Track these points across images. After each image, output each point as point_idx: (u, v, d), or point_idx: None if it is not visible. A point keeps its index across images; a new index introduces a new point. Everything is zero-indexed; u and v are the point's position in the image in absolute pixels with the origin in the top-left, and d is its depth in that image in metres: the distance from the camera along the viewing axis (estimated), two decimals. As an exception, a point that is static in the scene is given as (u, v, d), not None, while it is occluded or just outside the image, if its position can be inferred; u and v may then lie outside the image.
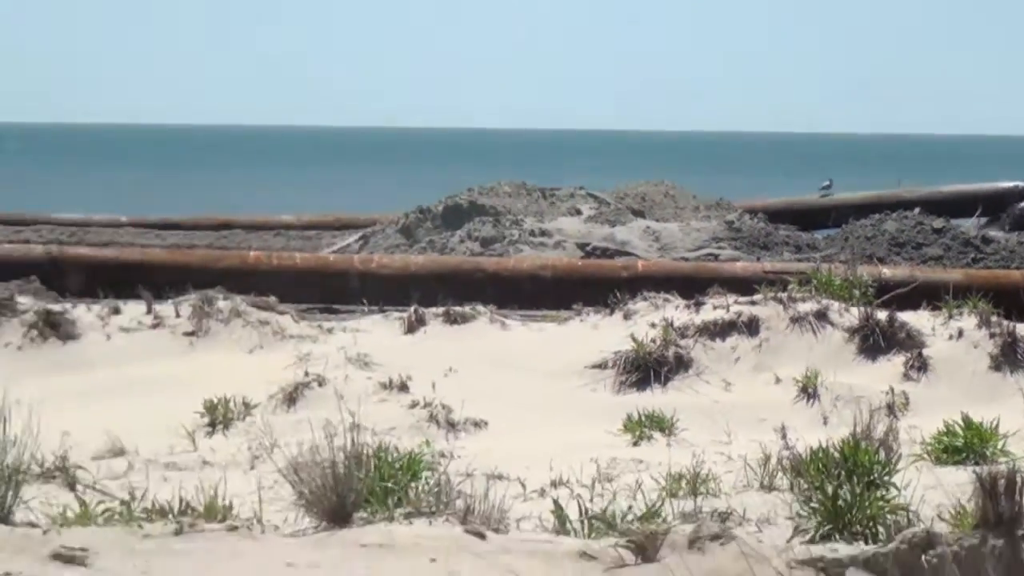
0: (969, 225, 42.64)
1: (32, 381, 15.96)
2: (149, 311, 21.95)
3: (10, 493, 12.55)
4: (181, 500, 12.75)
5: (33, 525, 12.03)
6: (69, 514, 12.62)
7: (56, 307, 22.12)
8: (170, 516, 12.25)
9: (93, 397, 18.17)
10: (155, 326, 21.60)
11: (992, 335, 20.20)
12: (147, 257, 33.41)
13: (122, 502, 13.00)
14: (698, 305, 21.81)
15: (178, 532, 11.70)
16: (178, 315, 21.73)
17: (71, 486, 14.08)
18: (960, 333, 20.35)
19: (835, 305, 21.27)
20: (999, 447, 15.29)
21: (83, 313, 21.85)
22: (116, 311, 22.07)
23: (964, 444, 15.58)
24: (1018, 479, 11.43)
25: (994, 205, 45.90)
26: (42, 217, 44.95)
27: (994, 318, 20.80)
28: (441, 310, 22.45)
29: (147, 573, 10.92)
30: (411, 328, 21.75)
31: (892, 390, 18.63)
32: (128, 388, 19.17)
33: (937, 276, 29.04)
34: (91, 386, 19.11)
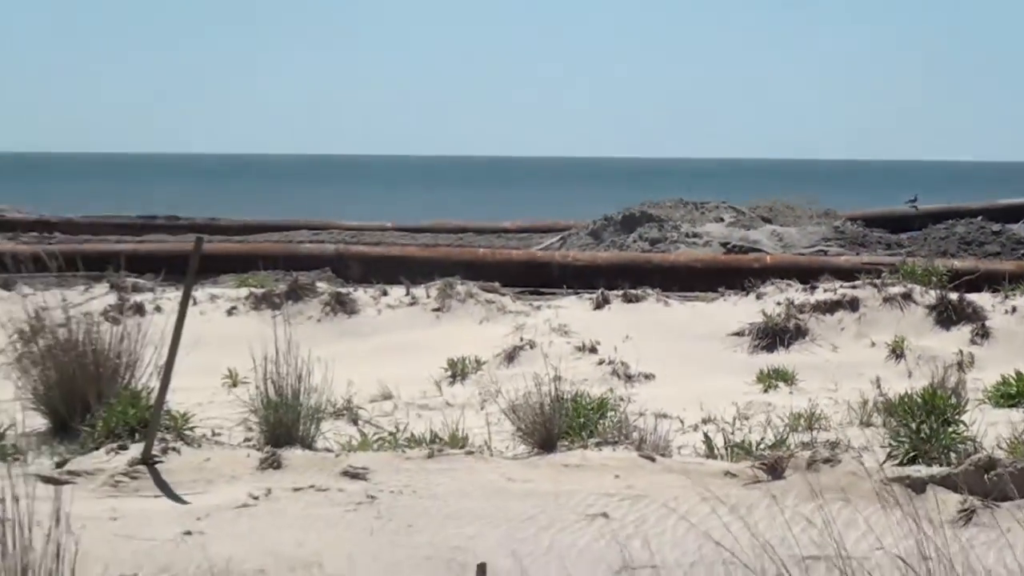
0: (1019, 228, 42.05)
1: (326, 345, 16.07)
2: (407, 293, 22.31)
3: (312, 427, 12.90)
4: (432, 432, 13.06)
5: (328, 451, 12.48)
6: (353, 443, 12.99)
7: (343, 290, 22.45)
8: (424, 444, 12.63)
9: (368, 356, 18.36)
10: (411, 304, 21.88)
11: (1039, 310, 20.13)
12: (405, 253, 33.49)
13: (390, 433, 13.39)
14: (812, 288, 21.84)
15: (430, 455, 12.07)
16: (428, 296, 22.04)
17: (354, 422, 14.47)
18: (1014, 309, 20.35)
19: (917, 288, 21.22)
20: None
21: (361, 295, 22.20)
22: (384, 293, 22.45)
23: (1016, 392, 15.59)
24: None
25: None
26: (333, 224, 44.71)
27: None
28: (620, 292, 22.57)
29: (409, 485, 11.25)
30: (598, 306, 21.95)
31: (961, 352, 18.58)
32: (393, 350, 19.39)
33: (995, 267, 28.61)
34: (367, 348, 19.33)
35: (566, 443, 12.57)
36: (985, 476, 10.98)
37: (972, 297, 20.81)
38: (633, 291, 22.93)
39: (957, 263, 28.78)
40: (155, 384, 12.72)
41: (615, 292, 22.74)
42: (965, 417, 13.21)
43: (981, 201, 48.12)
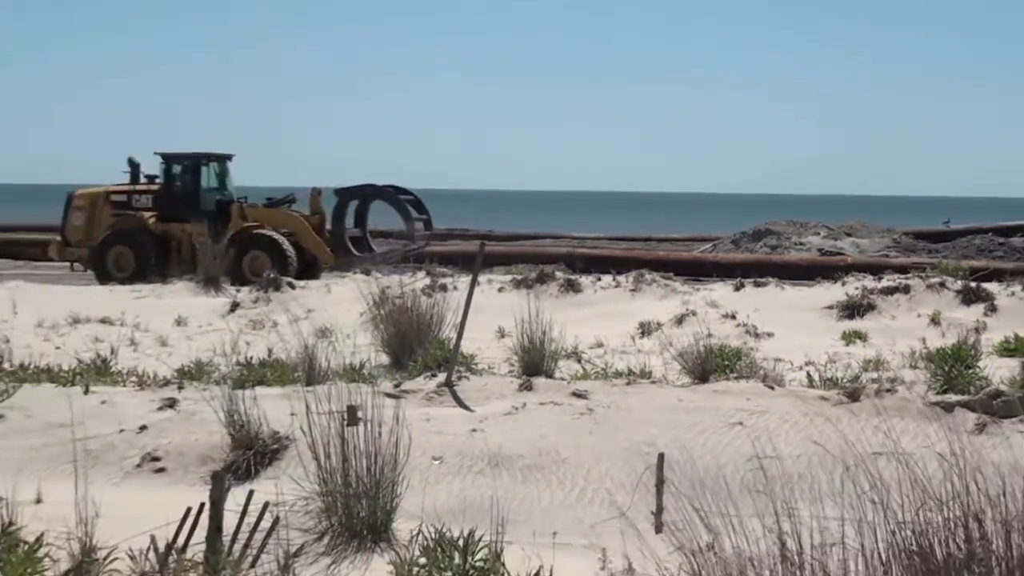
0: (1019, 239, 40.96)
1: (561, 312, 16.12)
2: (613, 279, 22.23)
3: (552, 364, 12.97)
4: (629, 368, 13.03)
5: (562, 379, 12.43)
6: (578, 374, 12.98)
7: (572, 277, 22.47)
8: (624, 376, 12.59)
9: (588, 320, 18.33)
10: (616, 287, 21.86)
11: (1029, 294, 19.67)
12: (612, 253, 33.50)
13: (602, 369, 13.33)
14: (879, 279, 21.42)
15: (628, 383, 12.05)
16: (627, 281, 21.93)
17: (578, 360, 14.40)
18: (1013, 293, 19.82)
19: (949, 279, 20.74)
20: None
21: (584, 280, 22.19)
22: (598, 279, 22.44)
23: (1015, 347, 15.19)
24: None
25: None
26: (564, 235, 44.70)
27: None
28: (751, 280, 22.31)
29: (614, 402, 11.24)
30: (736, 289, 21.76)
31: (978, 321, 18.15)
32: (604, 315, 19.37)
33: (1001, 266, 27.96)
34: (587, 314, 19.30)
35: (715, 376, 12.45)
36: (993, 402, 10.69)
37: (985, 285, 20.43)
38: (760, 279, 22.75)
39: (975, 263, 28.21)
40: (453, 335, 12.91)
41: (747, 280, 22.57)
42: (980, 363, 12.93)
43: (991, 223, 46.96)
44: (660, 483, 8.29)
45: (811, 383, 12.33)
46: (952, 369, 12.33)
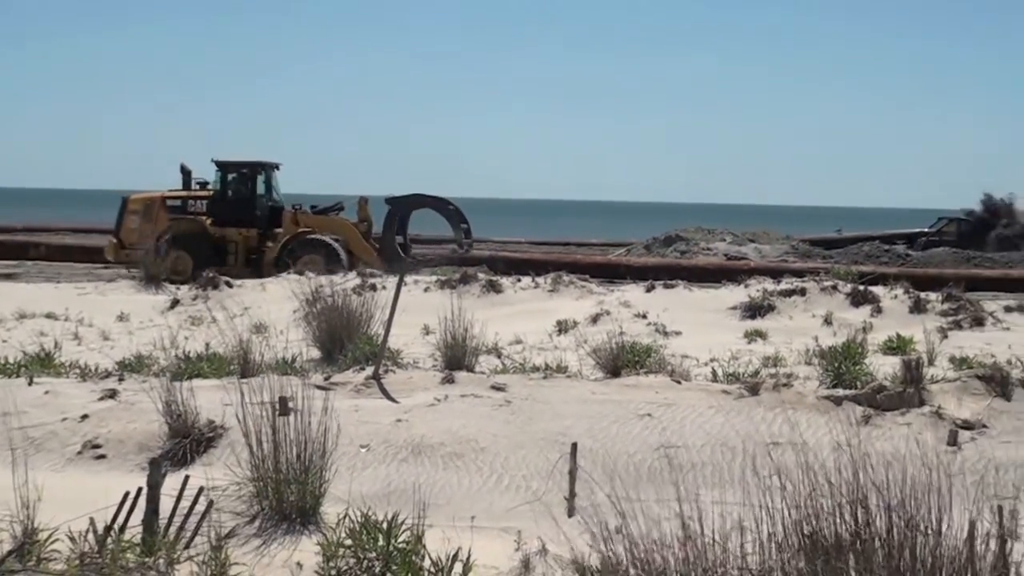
0: (901, 247, 41.63)
1: (482, 311, 16.15)
2: (533, 280, 22.20)
3: (473, 359, 12.91)
4: (545, 363, 13.04)
5: (482, 372, 12.43)
6: (497, 368, 12.97)
7: (494, 278, 22.43)
8: (541, 370, 12.58)
9: (508, 318, 18.41)
10: (536, 287, 21.84)
11: (909, 297, 19.88)
12: (532, 256, 33.56)
13: (520, 363, 13.33)
14: (778, 282, 21.62)
15: (545, 377, 12.07)
16: (545, 283, 21.94)
17: (498, 356, 14.38)
18: (896, 296, 20.03)
19: (841, 283, 20.98)
20: (911, 347, 15.07)
21: (505, 281, 22.15)
22: (518, 280, 22.37)
23: (897, 346, 15.37)
24: (917, 362, 11.36)
25: (910, 239, 44.85)
26: (488, 239, 43.86)
27: (910, 290, 20.46)
28: (661, 282, 22.44)
29: (531, 395, 11.24)
30: (648, 290, 21.88)
31: (865, 321, 18.37)
32: (524, 314, 19.40)
33: (886, 271, 28.38)
34: (507, 314, 19.32)
35: (626, 371, 12.50)
36: (877, 396, 10.84)
37: (872, 289, 20.66)
38: (670, 282, 22.89)
39: (864, 268, 28.60)
40: (381, 332, 12.86)
41: (658, 282, 22.70)
42: (867, 360, 13.09)
43: (878, 231, 47.72)
44: (573, 470, 8.30)
45: (715, 378, 12.42)
46: (842, 366, 12.42)
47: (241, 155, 31.14)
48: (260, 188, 30.54)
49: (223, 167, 30.50)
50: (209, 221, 29.78)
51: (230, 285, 22.00)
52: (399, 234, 30.59)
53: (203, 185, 30.75)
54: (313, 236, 29.23)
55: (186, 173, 30.94)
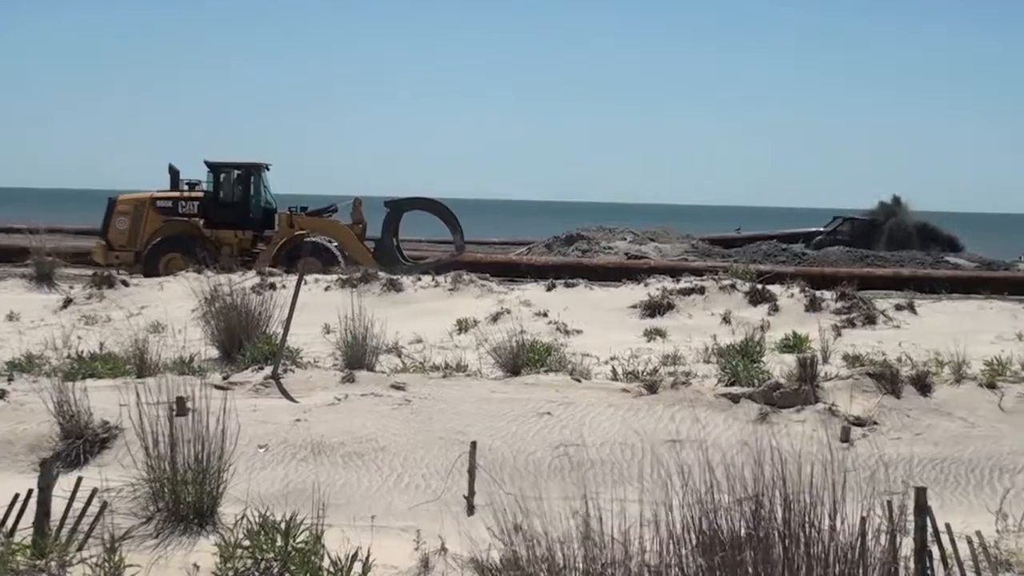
0: (798, 246, 42.23)
1: (383, 310, 16.01)
2: (433, 279, 22.11)
3: (373, 358, 12.83)
4: (445, 362, 12.99)
5: (382, 372, 12.34)
6: (397, 367, 12.90)
7: (394, 277, 22.28)
8: (441, 369, 12.51)
9: (408, 317, 18.26)
10: (436, 286, 21.73)
11: (805, 295, 20.12)
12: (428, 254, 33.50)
13: (420, 362, 13.26)
14: (678, 281, 21.73)
15: (444, 376, 12.07)
16: (446, 281, 21.87)
17: (398, 355, 14.27)
18: (792, 295, 20.24)
19: (739, 282, 21.15)
20: (806, 345, 15.24)
21: (405, 280, 22.03)
22: (418, 279, 22.25)
23: (793, 344, 15.53)
24: (812, 360, 11.51)
25: (807, 238, 45.51)
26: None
27: (806, 288, 20.72)
28: (563, 281, 22.46)
29: (431, 394, 11.24)
30: (549, 289, 21.79)
31: (763, 320, 18.52)
32: (424, 313, 19.23)
33: (783, 270, 28.78)
34: (407, 312, 19.17)
35: (527, 370, 12.49)
36: (774, 393, 11.00)
37: (770, 288, 20.80)
38: (571, 280, 22.91)
39: (762, 267, 28.97)
40: (280, 331, 12.75)
41: (559, 281, 22.72)
42: (764, 358, 13.22)
43: (775, 230, 48.32)
44: (472, 469, 8.30)
45: (615, 376, 12.42)
46: (739, 364, 12.51)
47: (209, 154, 30.82)
48: (253, 189, 30.22)
49: (215, 168, 30.09)
50: (202, 223, 29.36)
51: (126, 284, 21.63)
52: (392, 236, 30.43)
53: (192, 186, 30.24)
54: (311, 239, 28.98)
55: (174, 173, 30.31)
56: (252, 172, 30.22)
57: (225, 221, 29.43)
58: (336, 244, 29.01)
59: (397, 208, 30.06)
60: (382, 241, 29.79)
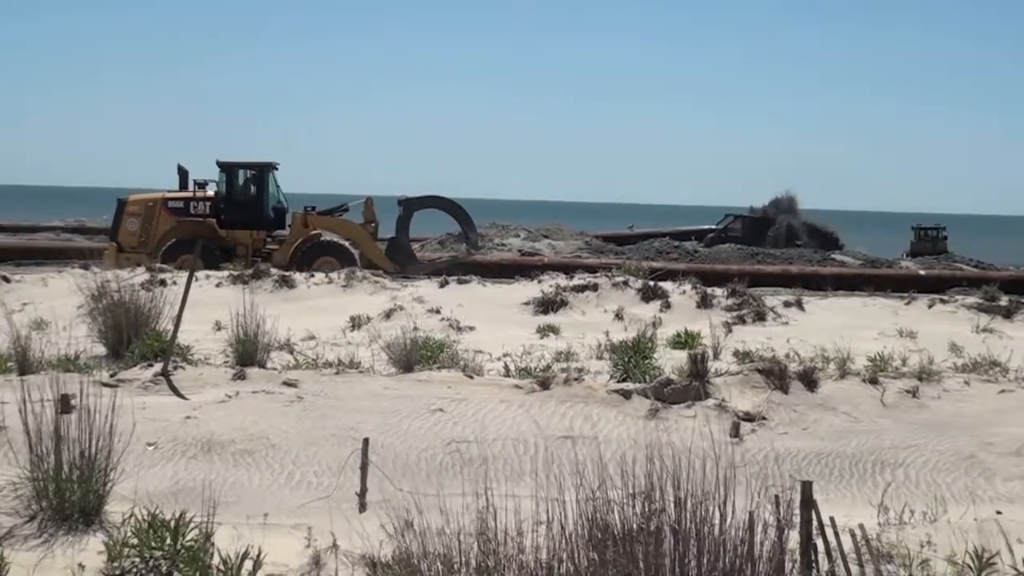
0: (691, 243, 42.76)
1: (275, 306, 15.87)
2: (326, 276, 21.99)
3: (265, 355, 12.71)
4: (338, 359, 12.91)
5: (274, 369, 12.24)
6: (290, 364, 12.79)
7: (286, 273, 22.12)
8: (333, 366, 12.43)
9: (301, 314, 18.15)
10: (329, 283, 21.64)
11: (697, 292, 20.38)
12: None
13: (312, 359, 13.16)
14: (571, 277, 21.88)
15: (337, 372, 12.03)
16: (339, 278, 21.77)
17: (290, 351, 14.17)
18: (684, 292, 20.50)
19: (632, 279, 21.36)
20: (698, 342, 15.42)
21: (298, 277, 21.88)
22: (311, 275, 22.12)
23: (684, 341, 15.71)
24: (703, 356, 11.63)
25: (699, 235, 46.12)
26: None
27: (698, 285, 20.97)
28: (456, 277, 22.50)
29: (324, 391, 11.19)
30: (442, 285, 21.86)
31: (655, 316, 18.74)
32: (317, 310, 19.18)
33: (675, 267, 29.12)
34: (300, 308, 19.08)
35: (420, 367, 12.47)
36: (665, 389, 11.12)
37: (662, 284, 21.04)
38: (464, 277, 22.97)
39: (654, 264, 29.29)
40: (170, 327, 12.60)
41: (453, 277, 22.76)
42: (655, 355, 13.31)
43: (668, 227, 48.89)
44: (365, 466, 8.27)
45: (508, 373, 12.46)
46: (631, 360, 12.59)
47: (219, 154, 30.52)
48: (266, 189, 30.05)
49: (227, 168, 29.82)
50: (215, 223, 29.17)
51: (7, 279, 21.19)
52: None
53: (201, 185, 29.91)
54: (327, 239, 28.99)
55: (183, 173, 30.04)
56: (264, 171, 30.07)
57: (240, 221, 29.35)
58: (352, 243, 29.06)
59: (410, 207, 30.08)
60: (397, 240, 29.89)
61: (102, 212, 41.42)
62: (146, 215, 29.16)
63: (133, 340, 13.52)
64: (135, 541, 6.53)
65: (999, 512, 8.29)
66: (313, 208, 30.11)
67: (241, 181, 30.06)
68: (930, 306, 20.81)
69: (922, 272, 34.59)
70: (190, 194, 29.69)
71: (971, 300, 21.27)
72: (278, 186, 30.37)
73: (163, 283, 19.79)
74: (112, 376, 11.41)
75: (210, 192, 29.80)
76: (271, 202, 30.11)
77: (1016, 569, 6.41)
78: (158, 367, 11.62)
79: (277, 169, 30.64)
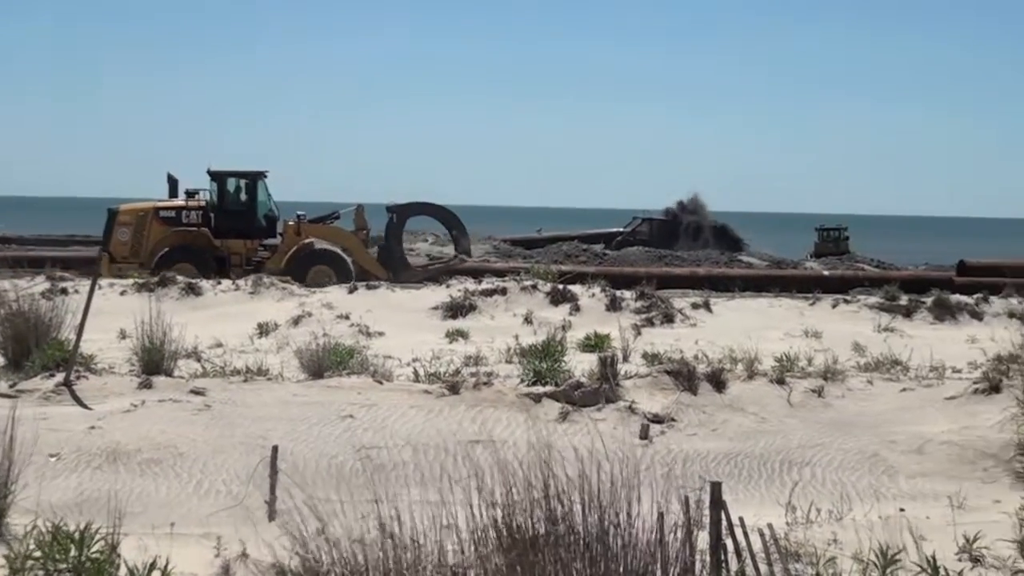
0: (599, 246, 43.05)
1: (182, 314, 15.65)
2: (233, 283, 21.79)
3: (171, 363, 12.56)
4: (246, 366, 12.79)
5: (181, 377, 12.10)
6: (197, 372, 12.65)
7: (193, 281, 21.86)
8: (241, 373, 12.32)
9: (208, 321, 17.97)
10: (236, 290, 21.44)
11: (606, 295, 20.51)
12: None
13: (220, 367, 13.03)
14: (479, 281, 21.92)
15: (245, 380, 11.95)
16: (246, 284, 21.58)
17: (198, 359, 14.02)
18: (593, 295, 20.62)
19: (540, 282, 21.43)
20: (607, 344, 15.49)
21: (204, 284, 21.64)
22: (218, 283, 21.91)
23: (594, 343, 15.78)
24: (612, 358, 11.70)
25: (608, 238, 46.45)
26: None
27: (607, 288, 21.09)
28: (365, 283, 22.43)
29: (232, 398, 11.13)
30: (350, 292, 21.76)
31: (564, 319, 18.81)
32: (224, 317, 19.01)
33: (584, 270, 29.22)
34: (207, 316, 18.90)
35: (329, 372, 12.39)
36: (575, 392, 11.19)
37: (571, 287, 21.13)
38: (372, 283, 22.90)
39: (564, 267, 29.40)
40: (72, 336, 12.42)
41: (362, 283, 22.68)
42: (565, 358, 13.36)
43: (578, 231, 49.10)
44: (274, 474, 8.22)
45: (417, 378, 12.42)
46: (541, 364, 12.57)
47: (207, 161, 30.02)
48: (257, 197, 29.67)
49: (217, 177, 29.37)
50: (208, 232, 28.74)
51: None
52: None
53: (191, 194, 29.40)
54: (321, 247, 28.67)
55: (173, 182, 29.55)
56: (256, 179, 29.76)
57: (232, 229, 29.04)
58: (343, 251, 28.82)
59: (401, 213, 29.90)
60: (388, 247, 29.70)
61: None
62: (137, 225, 28.72)
63: (34, 350, 13.30)
64: (38, 553, 6.43)
65: (902, 509, 8.48)
66: (303, 215, 29.96)
67: (232, 190, 29.82)
68: (834, 306, 21.17)
69: (826, 273, 35.12)
70: (182, 203, 29.36)
71: (873, 300, 21.67)
72: (269, 194, 30.13)
73: (64, 291, 19.48)
74: (12, 387, 11.23)
75: (202, 201, 29.49)
76: (262, 210, 29.89)
77: (919, 565, 6.54)
78: (60, 377, 11.44)
79: (267, 177, 30.46)
